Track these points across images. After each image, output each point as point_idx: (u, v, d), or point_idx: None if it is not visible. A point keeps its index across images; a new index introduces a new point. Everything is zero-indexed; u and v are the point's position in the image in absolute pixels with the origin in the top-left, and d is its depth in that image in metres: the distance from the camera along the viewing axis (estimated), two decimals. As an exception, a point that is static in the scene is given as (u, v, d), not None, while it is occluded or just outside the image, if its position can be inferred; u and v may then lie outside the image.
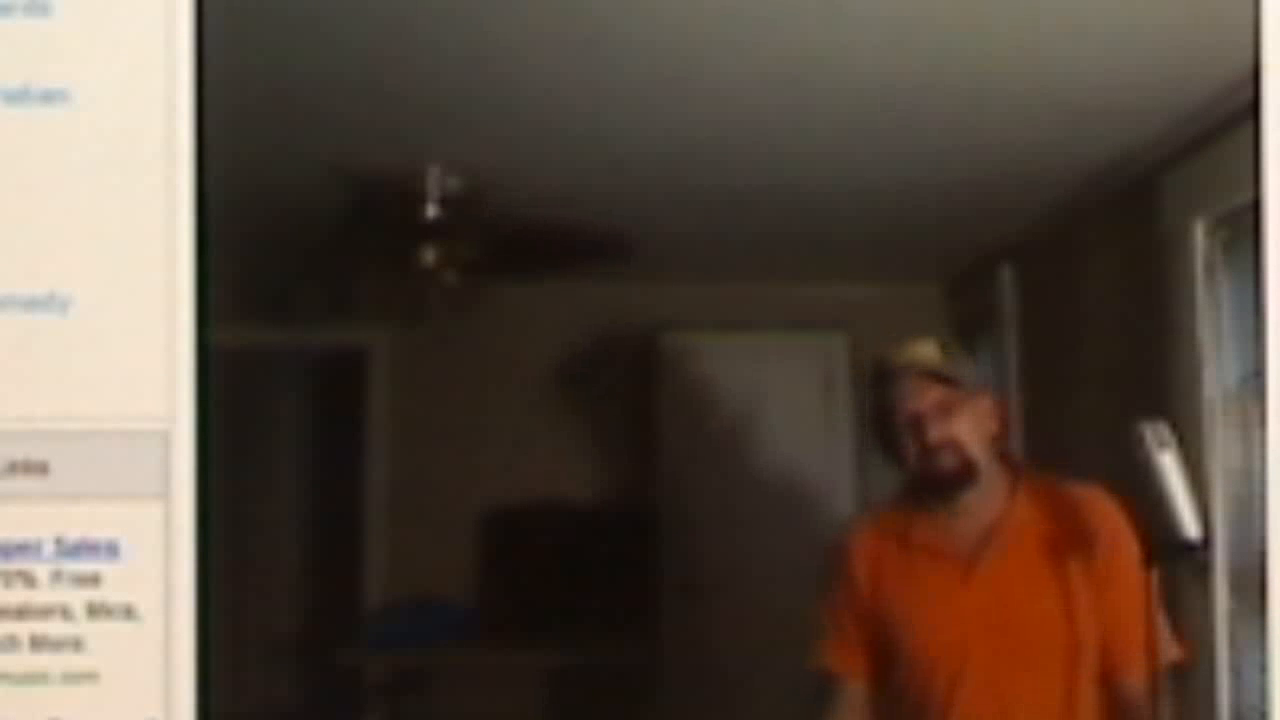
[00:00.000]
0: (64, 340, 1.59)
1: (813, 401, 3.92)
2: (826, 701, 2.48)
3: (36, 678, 1.59)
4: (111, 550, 1.59)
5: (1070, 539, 2.40)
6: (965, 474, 2.42)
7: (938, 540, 2.44)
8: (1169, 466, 2.16)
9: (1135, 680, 2.31)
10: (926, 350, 2.48)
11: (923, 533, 2.45)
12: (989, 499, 2.43)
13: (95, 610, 1.59)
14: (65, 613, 1.59)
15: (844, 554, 2.50)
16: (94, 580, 1.59)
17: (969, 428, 2.42)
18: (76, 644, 1.59)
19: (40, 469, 1.59)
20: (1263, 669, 1.63)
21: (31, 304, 1.59)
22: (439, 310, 3.52)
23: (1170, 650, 2.30)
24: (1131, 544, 2.32)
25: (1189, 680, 2.65)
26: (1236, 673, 2.84)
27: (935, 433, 2.41)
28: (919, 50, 2.63)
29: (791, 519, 3.79)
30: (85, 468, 1.59)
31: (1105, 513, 2.40)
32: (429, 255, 3.41)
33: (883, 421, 2.47)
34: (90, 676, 1.59)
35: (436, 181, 3.28)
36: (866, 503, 3.66)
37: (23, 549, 1.59)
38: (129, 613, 1.59)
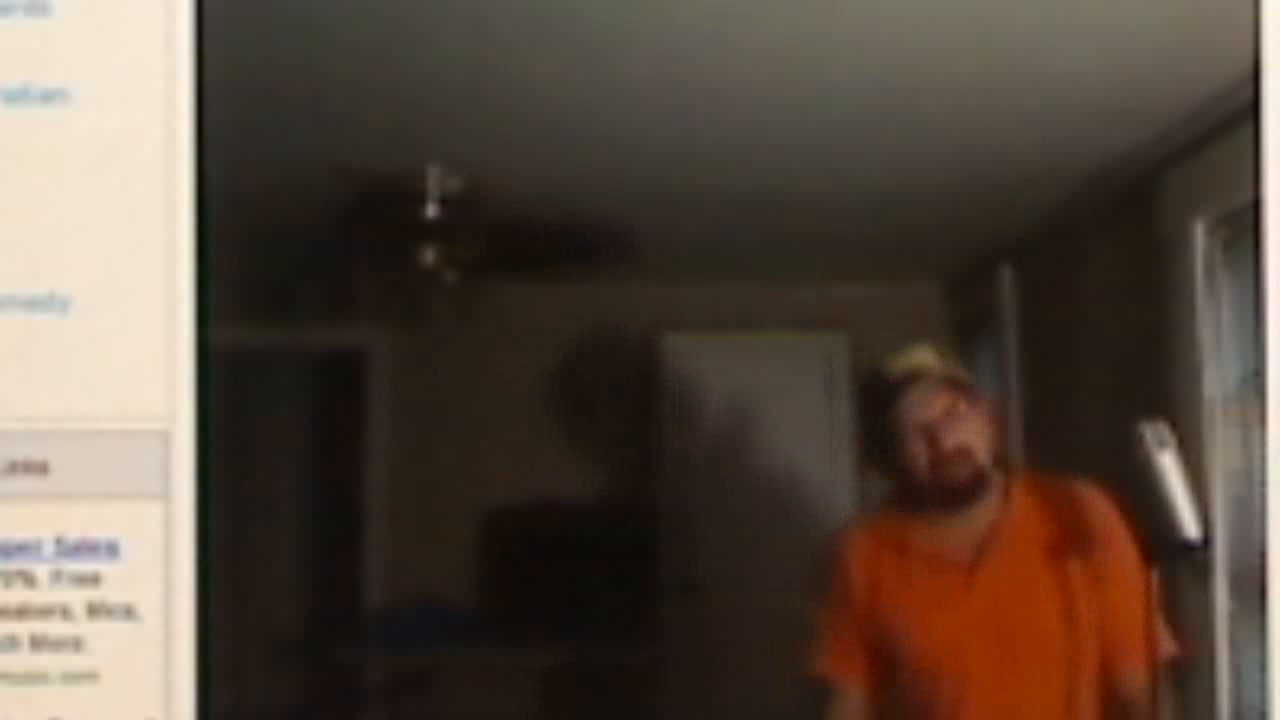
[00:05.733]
0: (64, 340, 1.59)
1: (813, 401, 3.92)
2: (824, 708, 2.45)
3: (36, 678, 1.59)
4: (111, 550, 1.59)
5: (1067, 537, 2.34)
6: (978, 484, 2.34)
7: (936, 546, 2.39)
8: (1169, 466, 2.15)
9: (1135, 677, 2.28)
10: (926, 357, 2.41)
11: (920, 538, 2.39)
12: (988, 503, 2.41)
13: (95, 610, 1.59)
14: (65, 613, 1.59)
15: (840, 561, 2.45)
16: (94, 580, 1.59)
17: (977, 434, 2.34)
18: (76, 644, 1.59)
19: (40, 469, 1.59)
20: (1263, 669, 1.63)
21: (31, 304, 1.59)
22: (439, 310, 3.52)
23: (1168, 646, 2.28)
24: (1127, 538, 2.28)
25: (1189, 680, 2.65)
26: (1236, 673, 2.84)
27: (949, 441, 2.32)
28: (919, 50, 2.63)
29: (791, 519, 3.79)
30: (85, 468, 1.59)
31: (1100, 508, 2.34)
32: (429, 255, 3.41)
33: (884, 433, 2.37)
34: (90, 676, 1.59)
35: (436, 181, 3.28)
36: (865, 502, 3.65)
37: (23, 549, 1.59)
38: (129, 613, 1.59)
